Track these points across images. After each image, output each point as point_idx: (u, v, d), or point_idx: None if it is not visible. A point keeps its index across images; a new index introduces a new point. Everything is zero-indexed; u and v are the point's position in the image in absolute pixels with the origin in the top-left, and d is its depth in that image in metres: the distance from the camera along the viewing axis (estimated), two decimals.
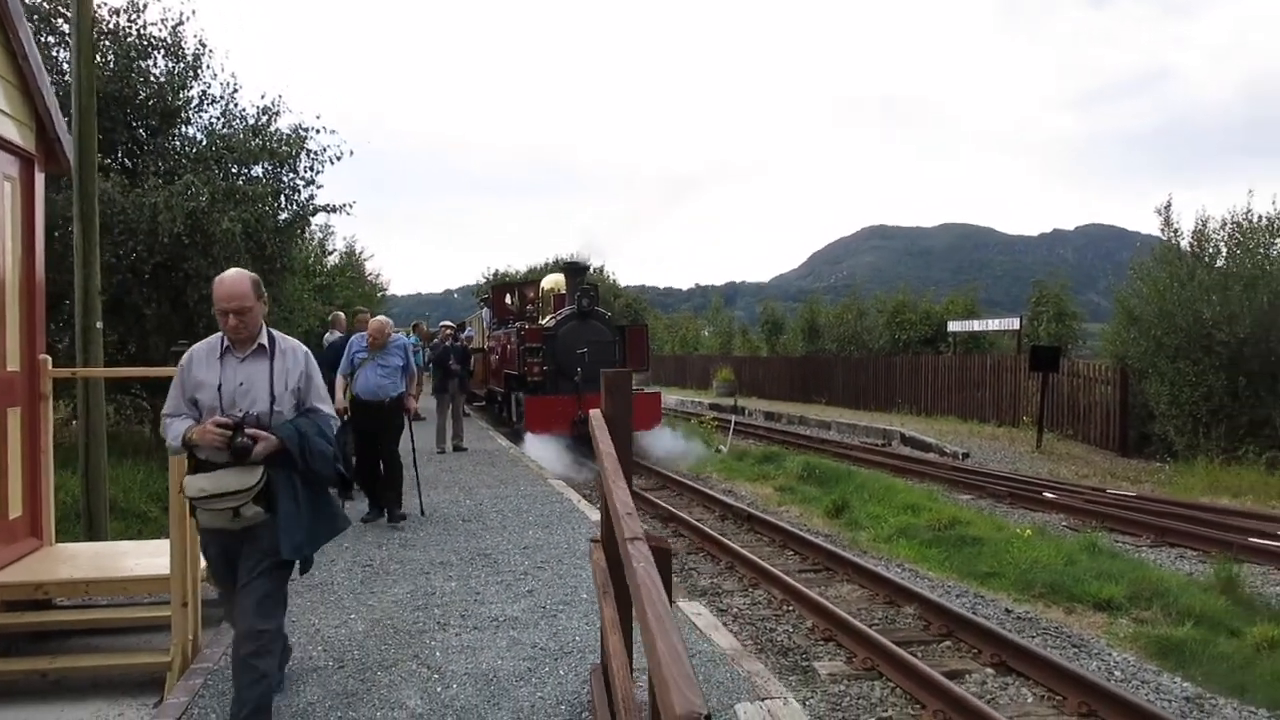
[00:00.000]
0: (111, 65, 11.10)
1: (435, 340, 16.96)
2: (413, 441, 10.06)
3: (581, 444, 16.03)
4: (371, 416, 9.32)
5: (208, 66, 11.75)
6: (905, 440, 20.48)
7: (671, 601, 3.36)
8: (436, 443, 15.53)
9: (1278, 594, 8.40)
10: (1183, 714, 5.60)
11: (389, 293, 54.03)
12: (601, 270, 47.51)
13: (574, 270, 18.85)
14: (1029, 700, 5.80)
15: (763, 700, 4.72)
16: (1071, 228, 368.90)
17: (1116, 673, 6.31)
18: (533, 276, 37.61)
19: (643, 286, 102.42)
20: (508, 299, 23.14)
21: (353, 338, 9.62)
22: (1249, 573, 8.99)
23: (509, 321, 21.53)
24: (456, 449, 15.47)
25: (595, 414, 4.37)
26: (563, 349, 16.87)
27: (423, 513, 9.68)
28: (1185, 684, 6.11)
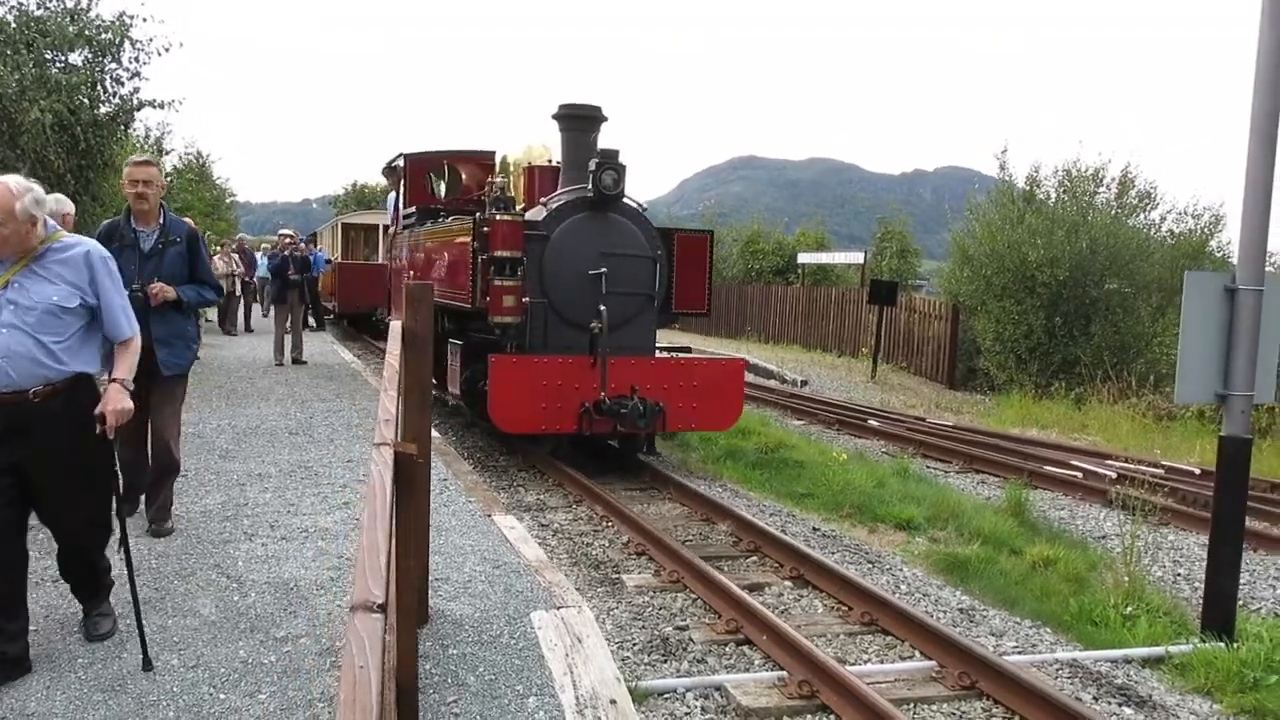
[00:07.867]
0: None
1: (274, 249, 16.42)
2: (119, 501, 4.35)
3: (595, 458, 9.93)
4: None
5: None
6: (749, 367, 21.03)
7: (399, 504, 3.46)
8: (275, 354, 15.18)
9: (1060, 517, 9.10)
10: (955, 623, 6.05)
11: (241, 199, 51.69)
12: None
13: (579, 122, 9.64)
14: (819, 610, 6.18)
15: (558, 609, 4.90)
16: (932, 169, 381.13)
17: (903, 586, 6.76)
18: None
19: None
20: (431, 179, 12.72)
21: None
22: (1039, 498, 9.69)
23: (439, 215, 11.70)
24: (296, 361, 15.14)
25: (395, 325, 4.36)
26: (560, 264, 9.18)
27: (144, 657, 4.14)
28: (963, 597, 6.59)
